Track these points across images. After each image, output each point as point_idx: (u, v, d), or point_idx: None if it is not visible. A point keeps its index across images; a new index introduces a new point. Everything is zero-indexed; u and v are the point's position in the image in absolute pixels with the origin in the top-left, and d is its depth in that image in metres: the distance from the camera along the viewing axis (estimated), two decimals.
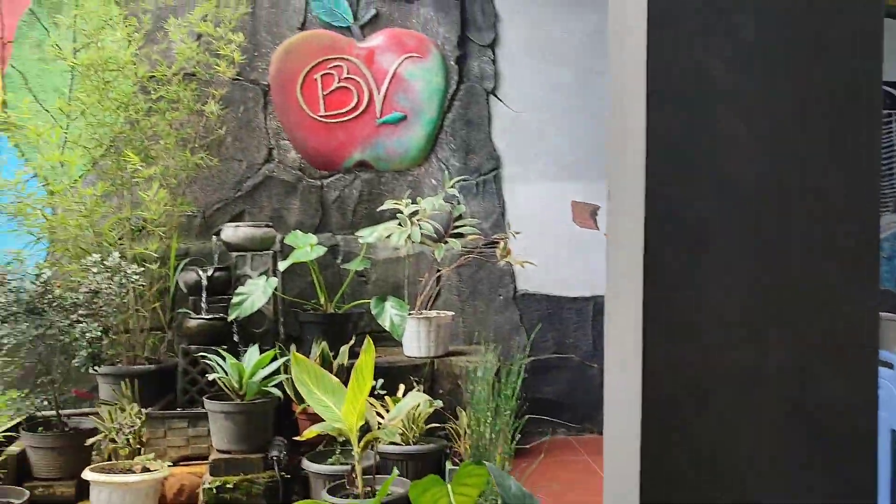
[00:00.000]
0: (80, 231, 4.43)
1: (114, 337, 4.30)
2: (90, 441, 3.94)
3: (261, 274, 4.55)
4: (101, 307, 4.05)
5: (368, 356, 3.27)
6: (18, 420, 4.17)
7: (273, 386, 3.84)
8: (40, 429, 4.05)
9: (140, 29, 4.72)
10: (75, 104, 4.69)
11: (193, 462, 4.01)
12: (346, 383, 4.15)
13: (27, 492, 3.44)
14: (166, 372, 4.43)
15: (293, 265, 4.48)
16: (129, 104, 4.61)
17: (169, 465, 3.89)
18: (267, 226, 4.68)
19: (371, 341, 3.28)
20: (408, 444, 3.88)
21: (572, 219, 5.38)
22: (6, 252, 4.50)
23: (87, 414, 4.44)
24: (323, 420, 3.37)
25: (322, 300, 4.72)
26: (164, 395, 4.36)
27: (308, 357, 4.32)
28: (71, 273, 4.31)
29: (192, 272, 4.54)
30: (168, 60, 4.84)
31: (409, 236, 4.32)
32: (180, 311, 4.64)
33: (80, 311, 4.04)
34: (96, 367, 4.10)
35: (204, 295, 4.47)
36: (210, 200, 5.31)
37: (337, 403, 3.36)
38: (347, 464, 3.61)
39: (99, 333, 3.98)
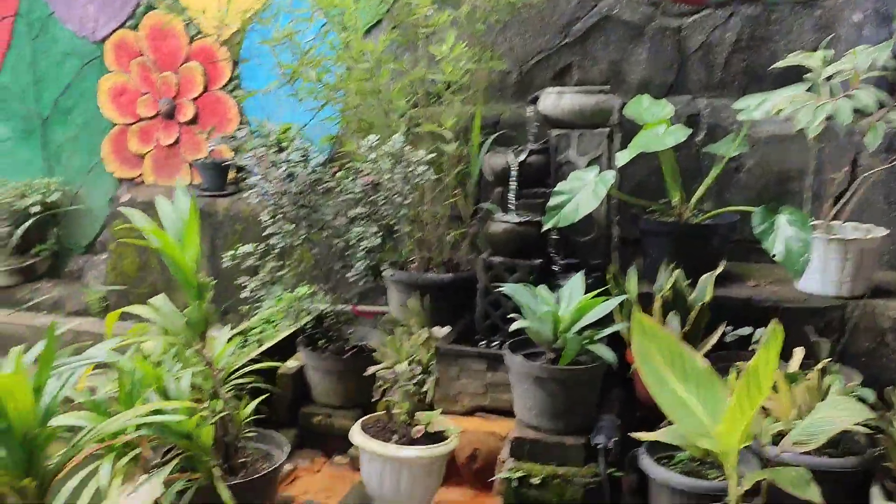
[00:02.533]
0: (362, 99, 3.45)
1: (398, 238, 3.35)
2: (370, 371, 3.11)
3: (591, 162, 3.24)
4: (380, 205, 3.08)
5: (771, 350, 1.87)
6: (300, 325, 3.45)
7: (602, 341, 2.61)
8: (321, 341, 3.32)
9: None
10: None
11: (492, 415, 3.02)
12: (701, 339, 2.80)
13: (288, 446, 2.71)
14: (466, 283, 3.42)
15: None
16: None
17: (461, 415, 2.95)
18: (601, 91, 3.30)
19: (779, 326, 1.87)
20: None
21: None
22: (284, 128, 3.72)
23: (381, 313, 3.66)
24: (670, 423, 2.11)
25: (675, 199, 3.30)
26: (461, 315, 3.38)
27: (653, 289, 3.03)
28: (351, 155, 3.38)
29: (498, 155, 3.38)
30: None
31: (828, 115, 2.67)
32: (483, 204, 3.55)
33: (357, 209, 3.11)
34: (378, 278, 3.21)
35: (513, 187, 3.31)
36: (528, 50, 4.02)
37: (704, 404, 2.05)
38: (709, 476, 2.34)
39: (378, 241, 3.04)
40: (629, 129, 3.23)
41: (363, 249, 3.03)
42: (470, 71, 3.45)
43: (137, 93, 5.06)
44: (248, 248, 3.15)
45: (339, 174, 3.17)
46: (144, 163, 5.13)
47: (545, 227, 3.04)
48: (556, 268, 3.23)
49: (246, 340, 3.57)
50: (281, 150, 3.27)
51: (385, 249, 3.23)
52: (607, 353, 2.58)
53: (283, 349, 3.45)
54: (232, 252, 3.14)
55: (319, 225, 3.13)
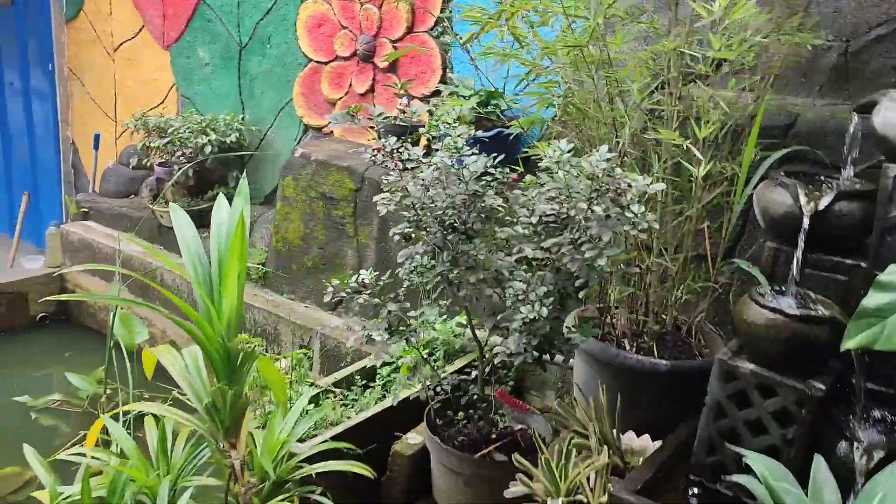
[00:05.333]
0: (577, 72, 2.24)
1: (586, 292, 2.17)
2: (509, 495, 2.01)
3: None
4: (564, 252, 1.90)
5: None
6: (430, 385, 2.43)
7: None
8: (458, 415, 2.28)
9: None
10: None
11: None
12: None
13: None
14: (695, 375, 2.18)
15: None
16: None
17: None
18: None
19: None
20: None
21: None
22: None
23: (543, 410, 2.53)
24: None
25: None
26: (680, 418, 2.15)
27: None
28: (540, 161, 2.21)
29: (780, 190, 2.04)
30: None
31: None
32: (738, 262, 2.23)
33: (529, 248, 1.97)
34: (555, 356, 2.07)
35: (799, 248, 1.97)
36: (864, 17, 2.53)
37: None
38: None
39: (547, 308, 1.89)
40: None
41: (522, 321, 1.89)
42: (756, 46, 2.11)
43: (337, 26, 4.21)
44: (364, 275, 2.14)
45: (510, 192, 2.03)
46: (334, 111, 4.31)
47: (847, 346, 1.69)
48: (855, 401, 1.88)
49: (349, 389, 2.61)
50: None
51: (563, 308, 2.07)
52: None
53: (408, 412, 2.45)
54: (341, 280, 2.14)
55: (468, 262, 2.03)
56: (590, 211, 1.81)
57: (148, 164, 4.82)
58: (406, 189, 2.07)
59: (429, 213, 2.05)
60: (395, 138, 2.03)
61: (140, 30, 5.16)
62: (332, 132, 4.38)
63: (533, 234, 1.96)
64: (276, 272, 4.16)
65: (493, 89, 3.34)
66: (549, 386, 3.18)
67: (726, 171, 2.32)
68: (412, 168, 2.09)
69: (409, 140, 2.23)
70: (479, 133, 3.17)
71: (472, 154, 2.01)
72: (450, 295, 2.12)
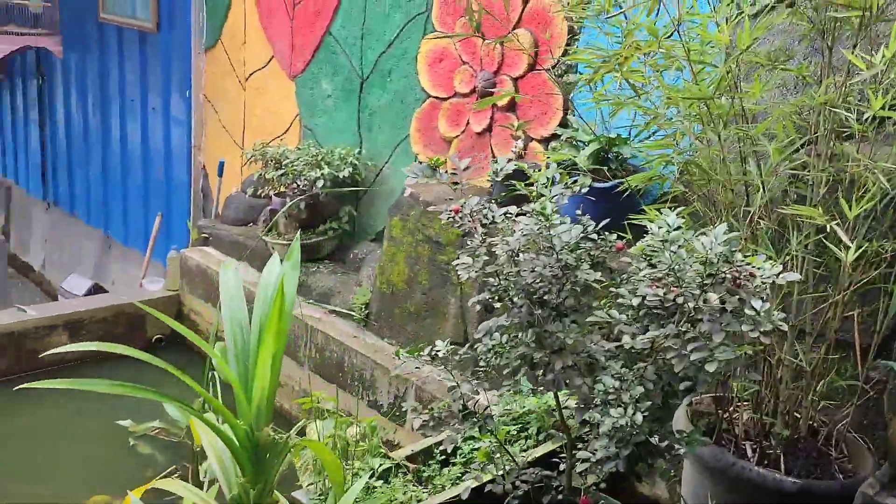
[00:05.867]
0: (703, 125, 1.91)
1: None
2: None
3: None
4: (667, 346, 1.57)
5: None
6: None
7: None
8: None
9: None
10: None
11: None
12: None
13: None
14: (832, 499, 1.78)
15: None
16: None
17: None
18: None
19: None
20: None
21: None
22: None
23: None
24: None
25: None
26: None
27: None
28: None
29: None
30: None
31: None
32: (890, 364, 1.81)
33: (628, 334, 1.65)
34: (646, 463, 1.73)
35: None
36: None
37: None
38: None
39: (643, 415, 1.56)
40: None
41: (612, 426, 1.57)
42: None
43: (457, 61, 4.02)
44: (440, 347, 1.89)
45: (614, 263, 1.72)
46: (450, 150, 4.12)
47: None
48: None
49: (426, 464, 2.34)
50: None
51: (665, 408, 1.73)
52: None
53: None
54: (412, 351, 1.90)
55: (555, 344, 1.73)
56: (701, 301, 1.48)
57: (262, 194, 4.81)
58: (490, 252, 1.81)
59: (513, 285, 1.77)
60: (479, 197, 1.77)
61: (270, 60, 5.20)
62: (446, 171, 4.17)
63: (633, 321, 1.64)
64: (379, 315, 3.99)
65: (614, 135, 3.02)
66: (659, 470, 2.80)
67: (885, 250, 1.91)
68: (498, 229, 1.82)
69: (528, 185, 1.98)
70: (596, 184, 2.86)
71: (564, 222, 1.72)
72: (532, 380, 1.83)
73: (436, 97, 4.15)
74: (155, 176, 6.51)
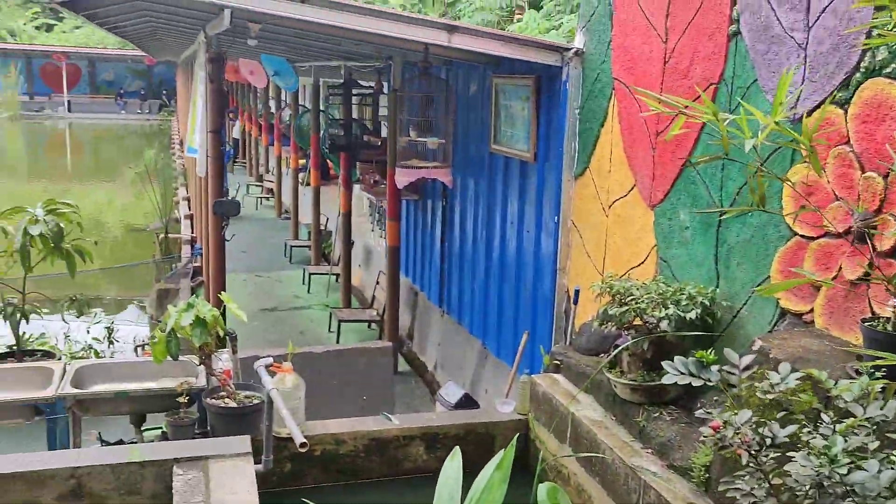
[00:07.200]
0: None
1: None
2: None
3: None
4: None
5: None
6: None
7: None
8: None
9: None
10: None
11: None
12: None
13: None
14: None
15: None
16: None
17: None
18: None
19: None
20: None
21: None
22: None
23: None
24: None
25: None
26: None
27: None
28: None
29: None
30: None
31: None
32: None
33: None
34: None
35: None
36: None
37: None
38: None
39: None
40: None
41: None
42: None
43: (830, 196, 3.45)
44: None
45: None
46: (818, 298, 3.51)
47: None
48: None
49: None
50: None
51: None
52: None
53: None
54: None
55: None
56: None
57: (606, 330, 4.61)
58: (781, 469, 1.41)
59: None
60: (750, 412, 1.39)
61: (631, 189, 5.08)
62: (812, 321, 3.57)
63: None
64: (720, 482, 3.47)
65: None
66: None
67: None
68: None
69: None
70: None
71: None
72: None
73: (802, 236, 3.60)
74: (524, 294, 6.73)
